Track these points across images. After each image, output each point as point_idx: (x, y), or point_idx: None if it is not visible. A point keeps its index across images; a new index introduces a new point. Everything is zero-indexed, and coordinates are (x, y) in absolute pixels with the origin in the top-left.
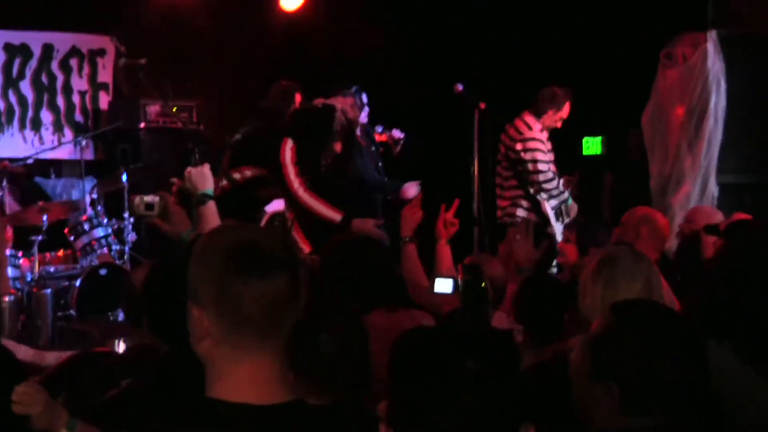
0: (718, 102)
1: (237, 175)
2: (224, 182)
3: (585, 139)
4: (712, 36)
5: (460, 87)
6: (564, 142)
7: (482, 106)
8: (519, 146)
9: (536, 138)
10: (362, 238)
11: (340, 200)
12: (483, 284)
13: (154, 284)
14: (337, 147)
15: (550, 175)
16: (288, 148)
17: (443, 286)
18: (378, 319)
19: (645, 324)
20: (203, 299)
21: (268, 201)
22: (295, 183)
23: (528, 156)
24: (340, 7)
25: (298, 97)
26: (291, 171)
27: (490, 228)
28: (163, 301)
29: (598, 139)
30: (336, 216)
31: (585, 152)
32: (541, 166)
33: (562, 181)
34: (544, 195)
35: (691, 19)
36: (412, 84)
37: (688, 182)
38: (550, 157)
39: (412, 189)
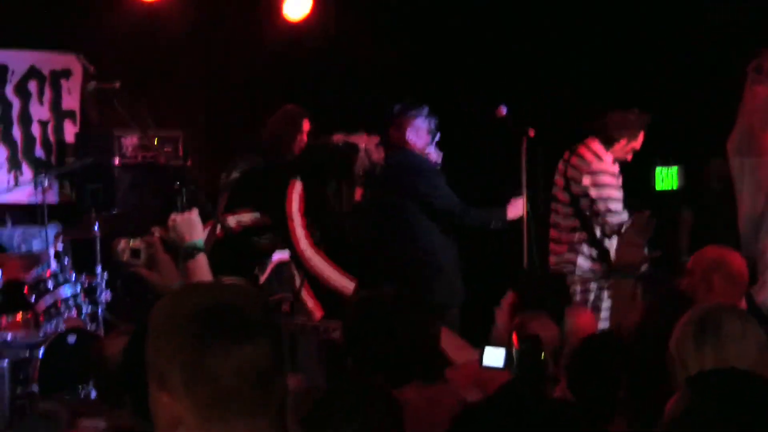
0: None
1: (232, 221)
2: (218, 230)
3: (658, 170)
4: None
5: (503, 110)
6: (631, 173)
7: (531, 133)
8: (586, 180)
9: (608, 171)
10: (393, 295)
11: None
12: (543, 356)
13: (136, 354)
14: (357, 195)
15: (625, 216)
16: (295, 192)
17: (494, 358)
18: (413, 393)
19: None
20: (171, 381)
21: (272, 250)
22: (302, 240)
23: (599, 193)
24: (356, 15)
25: (306, 125)
26: (298, 223)
27: (545, 280)
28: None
29: (674, 169)
30: (349, 285)
31: (658, 187)
32: (614, 206)
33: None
34: (615, 240)
35: None
36: (443, 107)
37: None
38: (621, 195)
39: (518, 207)
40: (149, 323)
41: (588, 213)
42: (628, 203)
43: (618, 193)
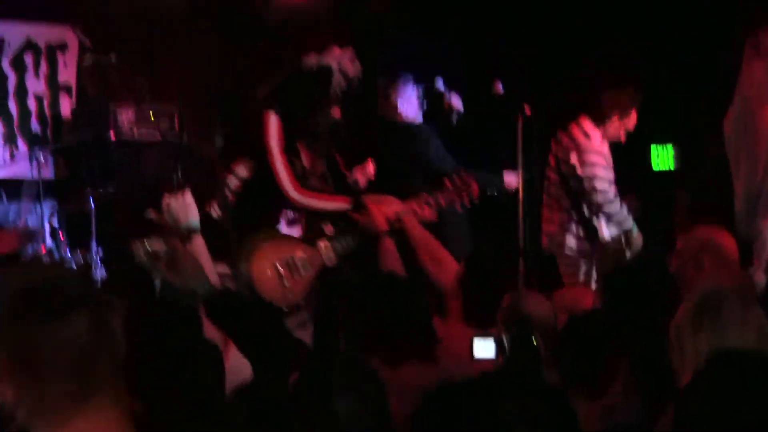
0: None
1: (233, 181)
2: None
3: (653, 148)
4: None
5: (499, 87)
6: (626, 152)
7: (527, 110)
8: (574, 158)
9: (596, 150)
10: (385, 276)
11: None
12: (534, 339)
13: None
14: (336, 113)
15: (610, 195)
16: (272, 125)
17: (484, 348)
18: (409, 373)
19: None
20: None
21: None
22: (287, 184)
23: (585, 171)
24: None
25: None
26: (279, 162)
27: (537, 259)
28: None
29: (669, 147)
30: (343, 204)
31: (655, 167)
32: (599, 185)
33: (625, 206)
34: (602, 219)
35: None
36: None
37: None
38: (612, 175)
39: (514, 178)
40: None
41: (577, 192)
42: (623, 183)
43: (605, 172)
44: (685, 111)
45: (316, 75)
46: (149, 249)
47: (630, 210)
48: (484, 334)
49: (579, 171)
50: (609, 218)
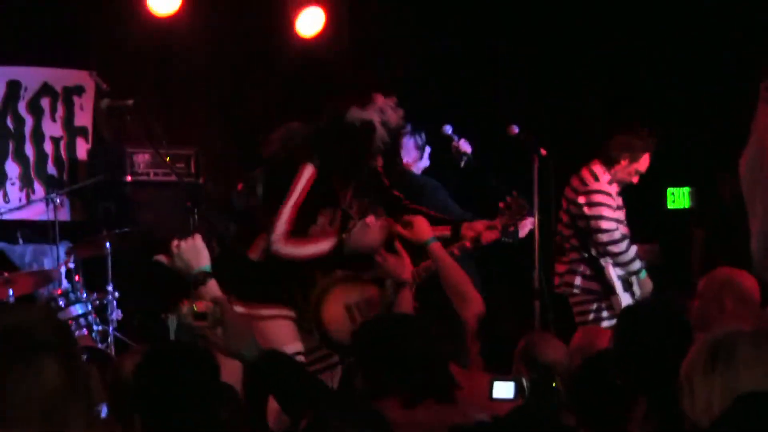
0: None
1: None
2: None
3: (669, 191)
4: None
5: (515, 129)
6: (644, 194)
7: (543, 152)
8: (582, 199)
9: (603, 191)
10: (402, 316)
11: None
12: (555, 384)
13: (147, 375)
14: (378, 163)
15: (617, 235)
16: (304, 177)
17: (504, 390)
18: (425, 414)
19: None
20: None
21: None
22: (278, 230)
23: (591, 211)
24: (368, 32)
25: None
26: (286, 213)
27: (551, 300)
28: (159, 397)
29: (686, 189)
30: (327, 244)
31: (670, 205)
32: (605, 224)
33: (634, 248)
34: (608, 259)
35: None
36: (455, 124)
37: None
38: (620, 215)
39: (528, 223)
40: None
41: (584, 232)
42: (636, 226)
43: (611, 212)
44: (701, 152)
45: (359, 130)
46: (196, 309)
47: (647, 257)
48: (503, 377)
49: (586, 210)
50: (615, 259)
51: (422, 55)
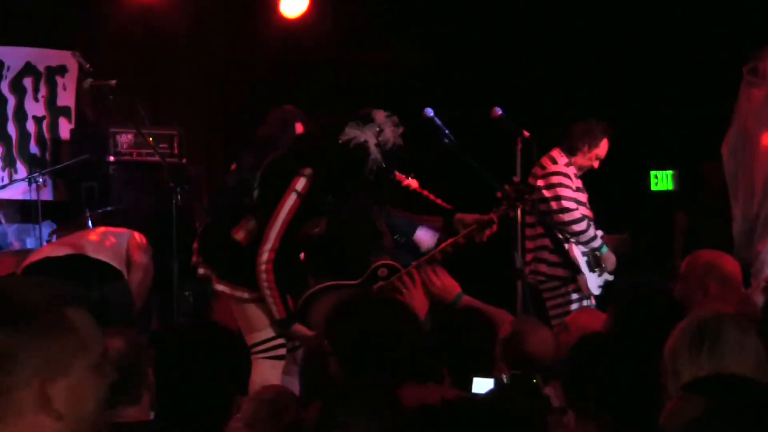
0: None
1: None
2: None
3: (653, 174)
4: None
5: (498, 111)
6: (628, 176)
7: (526, 134)
8: (541, 183)
9: (560, 172)
10: (376, 297)
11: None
12: (535, 380)
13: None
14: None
15: (577, 215)
16: (299, 185)
17: (483, 387)
18: (406, 394)
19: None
20: None
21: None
22: (268, 243)
23: (550, 192)
24: (353, 14)
25: (299, 128)
26: (277, 227)
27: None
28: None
29: (669, 173)
30: (279, 313)
31: (653, 188)
32: (566, 204)
33: (599, 233)
34: (570, 239)
35: None
36: (437, 106)
37: None
38: (580, 196)
39: (427, 239)
40: None
41: (545, 214)
42: (619, 208)
43: (569, 193)
44: (685, 135)
45: (351, 152)
46: None
47: (617, 246)
48: (484, 374)
49: (545, 193)
50: (577, 238)
51: (406, 37)
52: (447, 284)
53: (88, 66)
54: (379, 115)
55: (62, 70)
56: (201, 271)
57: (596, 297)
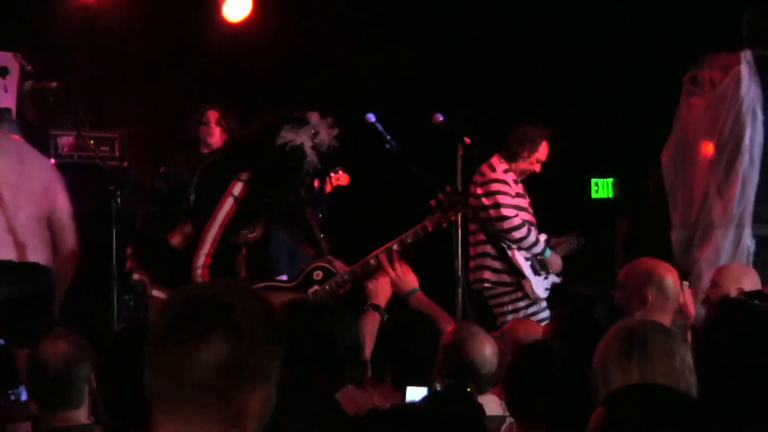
0: (753, 136)
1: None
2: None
3: (593, 181)
4: (746, 57)
5: (440, 117)
6: (568, 183)
7: (467, 140)
8: (480, 190)
9: (498, 179)
10: (317, 302)
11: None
12: (468, 389)
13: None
14: (311, 185)
15: (516, 222)
16: (235, 189)
17: (416, 395)
18: (343, 397)
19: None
20: None
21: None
22: (205, 247)
23: (489, 200)
24: (296, 18)
25: (211, 115)
26: (213, 231)
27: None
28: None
29: (609, 180)
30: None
31: (594, 195)
32: (504, 211)
33: (542, 236)
34: (512, 245)
35: (720, 38)
36: (379, 112)
37: (718, 233)
38: (521, 202)
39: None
40: None
41: (486, 222)
42: (560, 215)
43: (508, 200)
44: (625, 143)
45: (288, 155)
46: None
47: (563, 247)
48: (419, 383)
49: (484, 201)
50: (518, 244)
51: (350, 40)
52: (406, 277)
53: (30, 68)
54: (314, 117)
55: (4, 71)
56: (136, 276)
57: (546, 299)
